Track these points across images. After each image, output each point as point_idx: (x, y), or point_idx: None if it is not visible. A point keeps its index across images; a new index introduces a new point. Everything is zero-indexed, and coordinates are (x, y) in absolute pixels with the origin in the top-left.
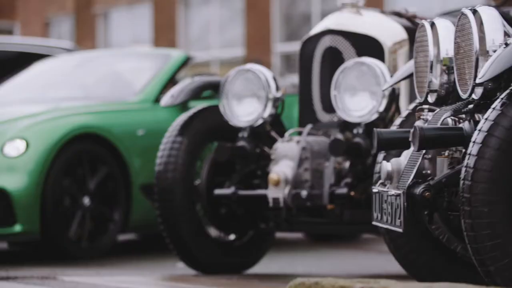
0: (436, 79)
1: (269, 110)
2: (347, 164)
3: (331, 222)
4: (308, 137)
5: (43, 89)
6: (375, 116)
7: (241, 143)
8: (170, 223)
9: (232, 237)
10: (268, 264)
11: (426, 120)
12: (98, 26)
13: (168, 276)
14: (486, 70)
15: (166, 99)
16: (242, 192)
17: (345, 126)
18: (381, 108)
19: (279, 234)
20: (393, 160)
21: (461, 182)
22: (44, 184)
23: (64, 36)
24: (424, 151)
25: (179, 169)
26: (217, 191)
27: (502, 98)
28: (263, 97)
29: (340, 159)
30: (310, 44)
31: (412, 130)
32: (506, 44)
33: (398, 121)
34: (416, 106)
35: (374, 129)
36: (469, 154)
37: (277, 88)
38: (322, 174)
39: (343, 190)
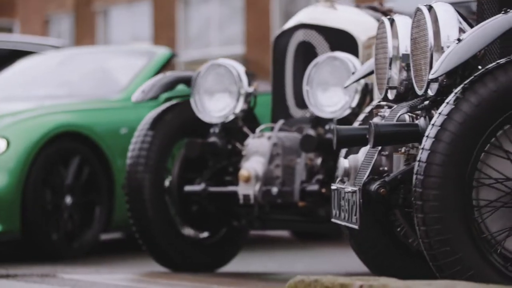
0: (396, 75)
1: (241, 106)
2: (319, 161)
3: (305, 220)
4: (280, 133)
5: (26, 87)
6: (347, 111)
7: (212, 139)
8: (141, 223)
9: (204, 235)
10: (266, 263)
11: (383, 117)
12: (97, 24)
13: (166, 274)
14: (439, 66)
15: (137, 95)
16: (213, 189)
17: (317, 121)
18: (354, 104)
19: (270, 233)
20: (351, 157)
21: (414, 176)
22: (25, 183)
23: (63, 34)
24: (380, 147)
25: (149, 168)
26: (187, 188)
27: (455, 93)
28: (235, 92)
29: (312, 155)
30: (283, 38)
31: (368, 127)
32: (459, 40)
33: (360, 117)
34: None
35: (333, 126)
36: (422, 148)
37: (249, 83)
38: (294, 170)
39: (314, 187)
